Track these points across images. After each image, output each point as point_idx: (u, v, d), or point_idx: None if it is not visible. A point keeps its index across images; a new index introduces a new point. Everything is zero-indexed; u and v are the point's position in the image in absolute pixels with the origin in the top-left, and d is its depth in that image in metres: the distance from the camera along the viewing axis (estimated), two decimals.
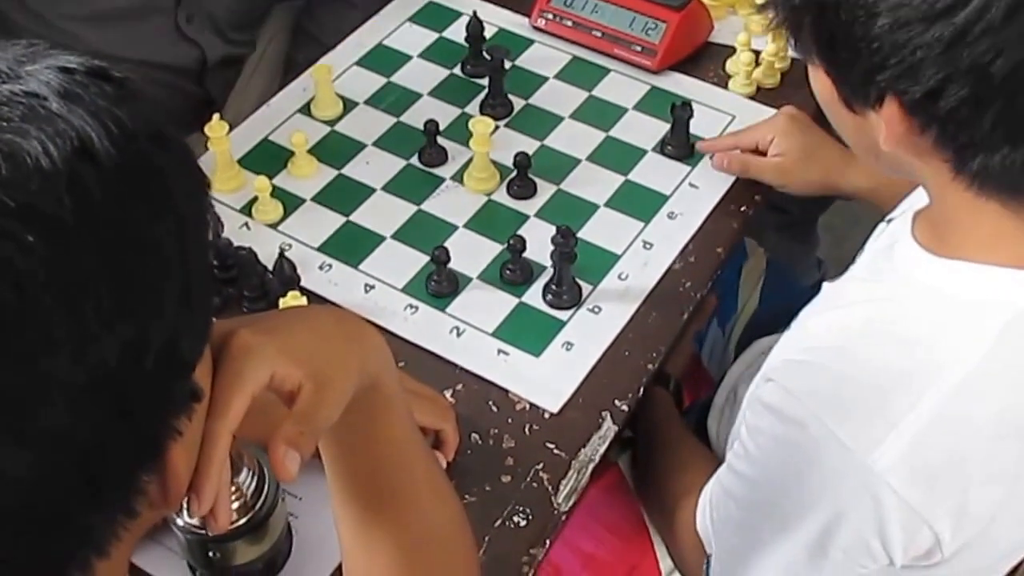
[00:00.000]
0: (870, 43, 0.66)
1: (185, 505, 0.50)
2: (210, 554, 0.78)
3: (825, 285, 0.91)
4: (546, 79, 1.22)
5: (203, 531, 0.75)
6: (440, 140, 1.13)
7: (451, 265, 1.01)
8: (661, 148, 1.15)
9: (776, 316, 1.19)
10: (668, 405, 1.12)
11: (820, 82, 0.75)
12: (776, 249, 1.38)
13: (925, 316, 0.75)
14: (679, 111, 1.13)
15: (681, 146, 1.14)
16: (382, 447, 0.63)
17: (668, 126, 1.15)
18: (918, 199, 0.86)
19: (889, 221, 0.90)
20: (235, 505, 0.75)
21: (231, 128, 1.11)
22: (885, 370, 0.74)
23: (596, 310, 1.00)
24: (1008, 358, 0.72)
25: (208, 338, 0.50)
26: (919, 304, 0.76)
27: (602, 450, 0.92)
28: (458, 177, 1.12)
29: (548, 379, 0.95)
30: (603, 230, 1.07)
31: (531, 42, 1.27)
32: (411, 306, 1.01)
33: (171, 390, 0.46)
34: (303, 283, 1.00)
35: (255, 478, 0.76)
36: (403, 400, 0.63)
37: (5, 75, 0.43)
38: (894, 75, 0.66)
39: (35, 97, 0.42)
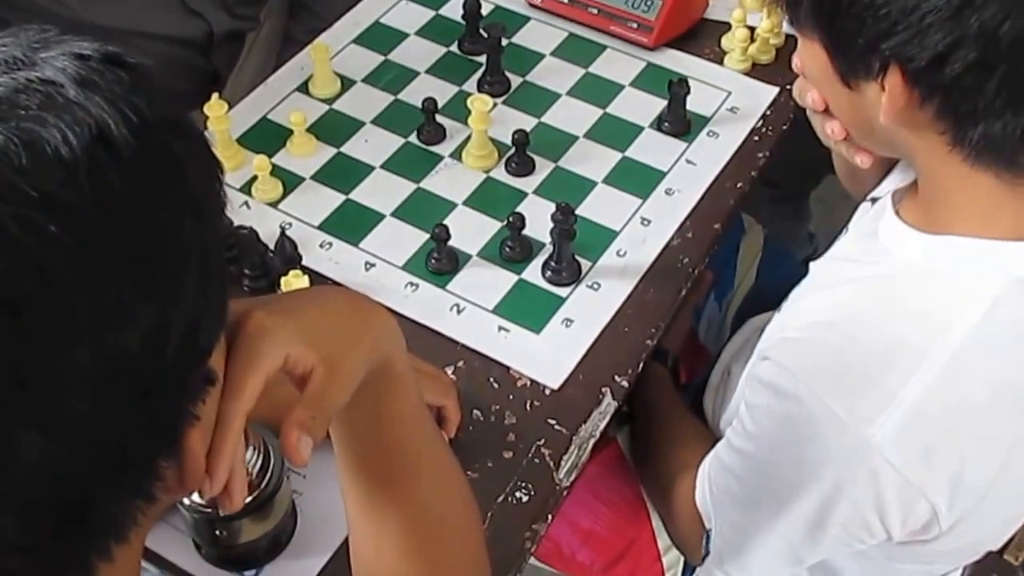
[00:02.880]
0: (877, 10, 0.66)
1: None
2: (216, 532, 0.79)
3: (812, 265, 0.92)
4: (543, 56, 1.22)
5: (209, 510, 0.76)
6: (438, 118, 1.13)
7: (451, 243, 1.01)
8: (658, 125, 1.15)
9: (773, 292, 1.20)
10: (665, 381, 1.13)
11: (814, 57, 0.75)
12: (769, 223, 1.39)
13: (916, 292, 0.76)
14: (676, 88, 1.13)
15: (678, 122, 1.14)
16: (391, 426, 0.63)
17: (664, 103, 1.15)
18: (900, 179, 0.87)
19: (873, 200, 0.91)
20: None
21: (230, 106, 1.10)
22: (880, 345, 0.75)
23: (595, 286, 1.01)
24: (1000, 329, 0.73)
25: (224, 323, 0.50)
26: (911, 279, 0.77)
27: (602, 426, 0.93)
28: (457, 155, 1.12)
29: (548, 355, 0.96)
30: (601, 207, 1.07)
31: (527, 19, 1.27)
32: (412, 284, 1.01)
33: (190, 377, 0.46)
34: (304, 262, 1.00)
35: (260, 456, 0.76)
36: (413, 380, 0.64)
37: (20, 62, 0.42)
38: (901, 41, 0.66)
39: (52, 84, 0.41)
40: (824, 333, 0.79)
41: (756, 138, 1.15)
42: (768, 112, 1.18)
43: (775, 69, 1.21)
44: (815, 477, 0.77)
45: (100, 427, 0.40)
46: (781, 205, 1.56)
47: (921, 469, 0.73)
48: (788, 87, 1.19)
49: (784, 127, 1.17)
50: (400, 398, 0.63)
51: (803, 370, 0.76)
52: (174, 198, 0.44)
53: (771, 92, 1.19)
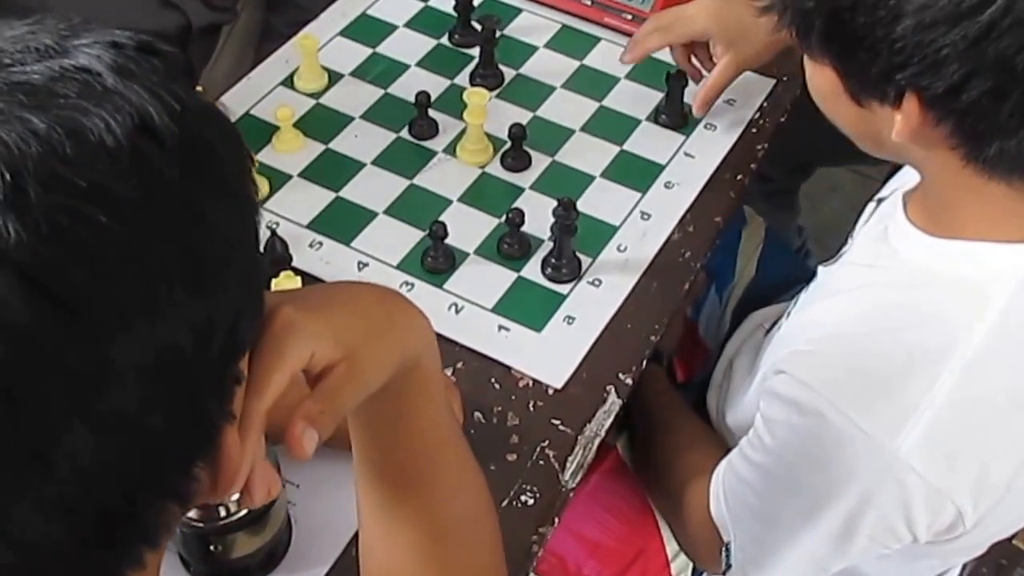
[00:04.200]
0: (892, 44, 0.66)
1: None
2: (210, 547, 0.76)
3: (820, 269, 0.91)
4: (536, 49, 1.20)
5: (202, 524, 0.74)
6: (430, 112, 1.10)
7: (447, 240, 0.98)
8: (655, 117, 1.13)
9: (772, 286, 1.19)
10: (663, 383, 1.11)
11: (823, 77, 0.74)
12: (760, 216, 1.37)
13: (929, 297, 0.76)
14: (674, 80, 1.11)
15: (675, 115, 1.12)
16: (416, 429, 0.61)
17: (660, 95, 1.13)
18: (905, 180, 0.86)
19: (879, 201, 0.90)
20: (235, 496, 0.72)
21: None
22: (897, 354, 0.75)
23: (596, 283, 0.98)
24: (1015, 329, 0.73)
25: (261, 318, 0.49)
26: (922, 286, 0.77)
27: (607, 424, 0.91)
28: (450, 150, 1.09)
29: (551, 354, 0.93)
30: (600, 201, 1.05)
31: (519, 11, 1.24)
32: (407, 283, 0.98)
33: (229, 373, 0.45)
34: (293, 262, 0.97)
35: None
36: (441, 383, 0.62)
37: (53, 50, 0.41)
38: (916, 73, 0.66)
39: (88, 73, 0.40)
40: (840, 345, 0.78)
41: (754, 130, 1.14)
42: (765, 104, 1.16)
43: (772, 61, 1.19)
44: (841, 491, 0.76)
45: (148, 424, 0.39)
46: (772, 198, 1.55)
47: (947, 474, 0.73)
48: (784, 78, 1.18)
49: (781, 119, 1.16)
50: (427, 400, 0.61)
51: (823, 385, 0.76)
52: (216, 187, 0.42)
53: (767, 84, 1.17)
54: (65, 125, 0.38)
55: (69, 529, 0.38)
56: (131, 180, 0.38)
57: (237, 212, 0.44)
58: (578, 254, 0.99)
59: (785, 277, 1.18)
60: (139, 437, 0.39)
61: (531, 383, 0.92)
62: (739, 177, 1.09)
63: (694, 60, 1.11)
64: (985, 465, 0.74)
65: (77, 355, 0.37)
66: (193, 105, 0.42)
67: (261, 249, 0.95)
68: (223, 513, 0.74)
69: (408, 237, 1.01)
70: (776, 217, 1.54)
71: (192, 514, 0.73)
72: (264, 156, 1.07)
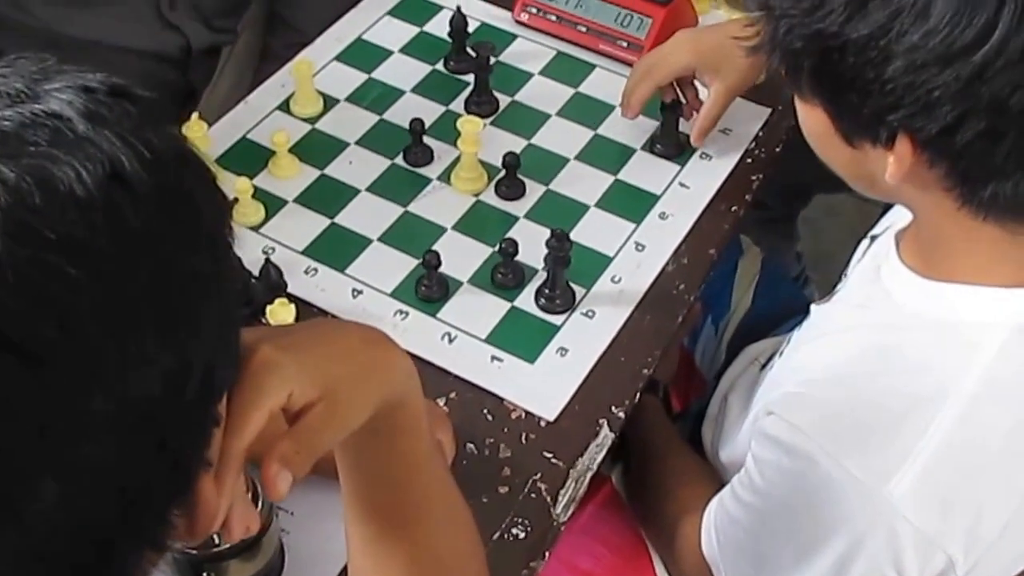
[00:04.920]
0: (883, 85, 0.65)
1: None
2: (204, 575, 0.76)
3: (813, 308, 0.90)
4: (531, 75, 1.20)
5: (195, 551, 0.73)
6: (425, 139, 1.10)
7: (441, 269, 0.98)
8: (650, 147, 1.13)
9: (769, 317, 1.19)
10: (659, 414, 1.11)
11: (814, 118, 0.73)
12: (759, 244, 1.37)
13: (921, 341, 0.75)
14: (669, 109, 1.11)
15: (670, 145, 1.12)
16: (402, 468, 0.61)
17: (656, 124, 1.13)
18: (899, 216, 0.86)
19: (872, 238, 0.90)
20: None
21: (208, 124, 1.07)
22: (889, 399, 0.74)
23: (590, 314, 0.98)
24: (1007, 376, 0.72)
25: (238, 361, 0.48)
26: (914, 330, 0.76)
27: (599, 458, 0.90)
28: (445, 177, 1.09)
29: (543, 386, 0.93)
30: (594, 231, 1.05)
31: (514, 37, 1.24)
32: (401, 312, 0.98)
33: (205, 419, 0.45)
34: (288, 289, 0.97)
35: (248, 494, 0.73)
36: (426, 421, 0.62)
37: (24, 94, 0.40)
38: (908, 114, 0.65)
39: (59, 119, 0.39)
40: (831, 389, 0.77)
41: (749, 160, 1.13)
42: (760, 133, 1.16)
43: (764, 89, 1.19)
44: (832, 536, 0.75)
45: (120, 474, 0.39)
46: (770, 226, 1.55)
47: (938, 522, 0.72)
48: (780, 108, 1.18)
49: (777, 148, 1.15)
50: (412, 440, 0.61)
51: (814, 428, 0.75)
52: (189, 235, 0.42)
53: (763, 113, 1.17)
54: (35, 174, 0.37)
55: None
56: (102, 230, 0.38)
57: (212, 258, 0.43)
58: (572, 285, 0.99)
59: (782, 307, 1.18)
60: (112, 486, 0.39)
61: (523, 415, 0.91)
62: (734, 208, 1.09)
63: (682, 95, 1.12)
64: (978, 513, 0.73)
65: (46, 407, 0.36)
66: (166, 151, 0.42)
67: (256, 274, 0.96)
68: (216, 540, 0.73)
69: (402, 265, 1.01)
70: (775, 245, 1.54)
71: None
72: (260, 181, 1.07)
